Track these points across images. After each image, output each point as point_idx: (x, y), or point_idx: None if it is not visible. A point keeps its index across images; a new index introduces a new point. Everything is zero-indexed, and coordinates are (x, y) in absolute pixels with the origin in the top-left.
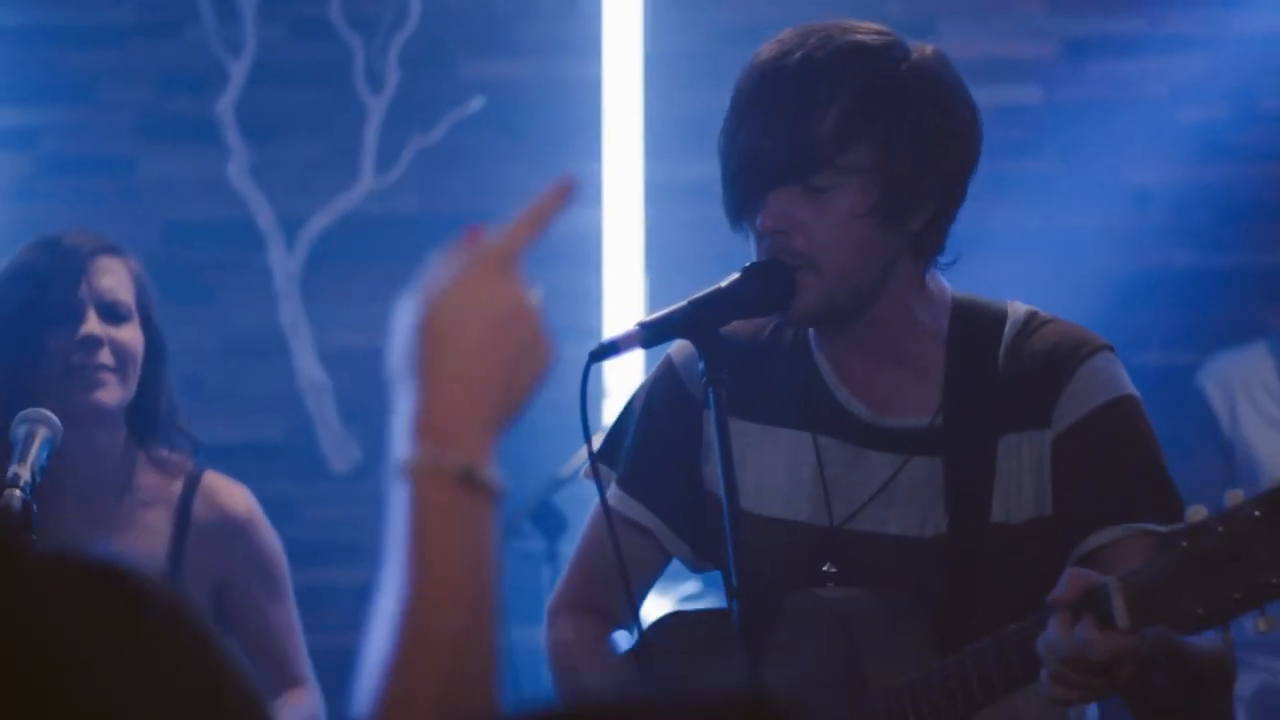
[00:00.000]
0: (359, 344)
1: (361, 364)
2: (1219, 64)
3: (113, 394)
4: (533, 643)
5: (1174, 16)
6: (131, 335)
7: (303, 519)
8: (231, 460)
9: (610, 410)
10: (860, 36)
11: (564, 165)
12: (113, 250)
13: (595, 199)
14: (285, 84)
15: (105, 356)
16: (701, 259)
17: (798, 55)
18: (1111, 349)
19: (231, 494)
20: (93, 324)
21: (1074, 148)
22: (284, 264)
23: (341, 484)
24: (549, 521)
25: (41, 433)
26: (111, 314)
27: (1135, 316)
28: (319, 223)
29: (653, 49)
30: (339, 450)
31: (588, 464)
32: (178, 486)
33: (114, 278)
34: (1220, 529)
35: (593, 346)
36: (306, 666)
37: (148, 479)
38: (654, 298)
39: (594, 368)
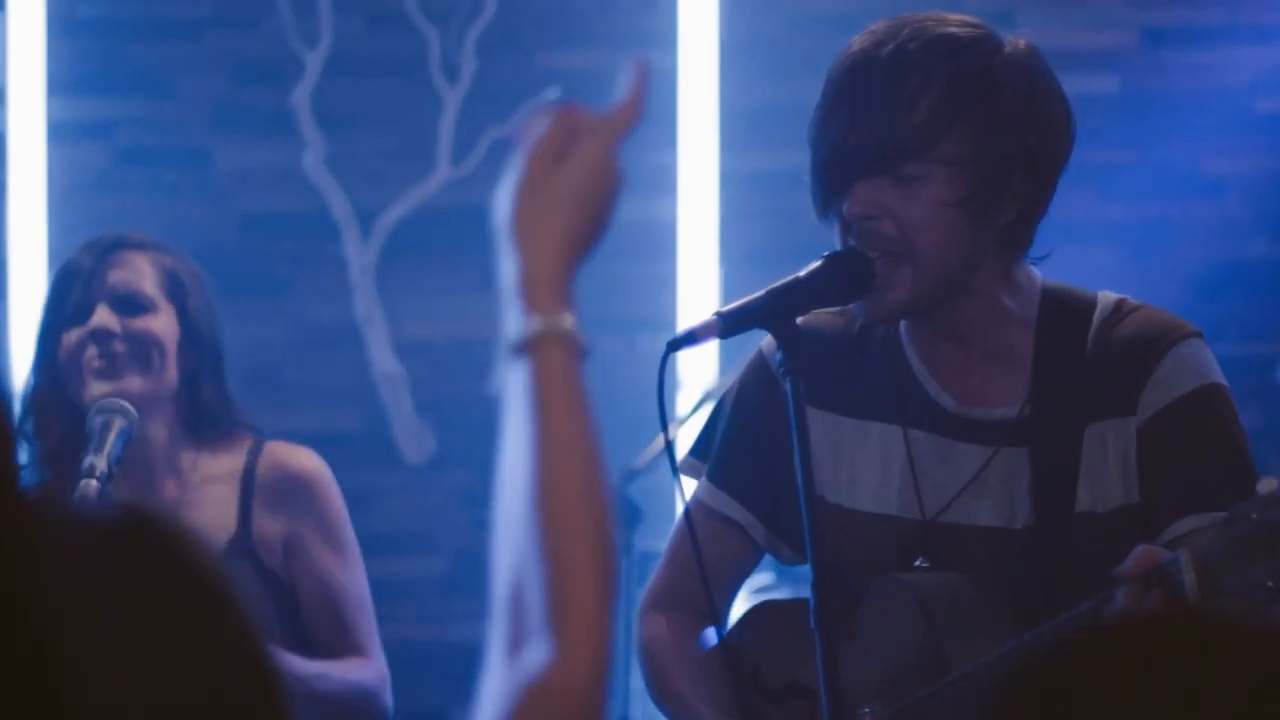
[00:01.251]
0: (434, 335)
1: (436, 355)
2: None
3: (133, 383)
4: None
5: (1252, 6)
6: (155, 324)
7: (377, 510)
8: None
9: (685, 402)
10: (952, 29)
11: (638, 155)
12: (135, 244)
13: (671, 189)
14: (361, 75)
15: (119, 347)
16: (775, 250)
17: (890, 47)
18: (1200, 335)
19: (296, 454)
20: (101, 316)
21: (1151, 138)
22: (359, 255)
23: (416, 475)
24: (624, 513)
25: (118, 423)
26: (128, 306)
27: (1212, 307)
28: (394, 214)
29: (728, 39)
30: (414, 441)
31: (673, 464)
32: (241, 458)
33: (129, 270)
34: None
35: (669, 337)
36: (372, 637)
37: (206, 462)
38: (728, 289)
39: (670, 359)
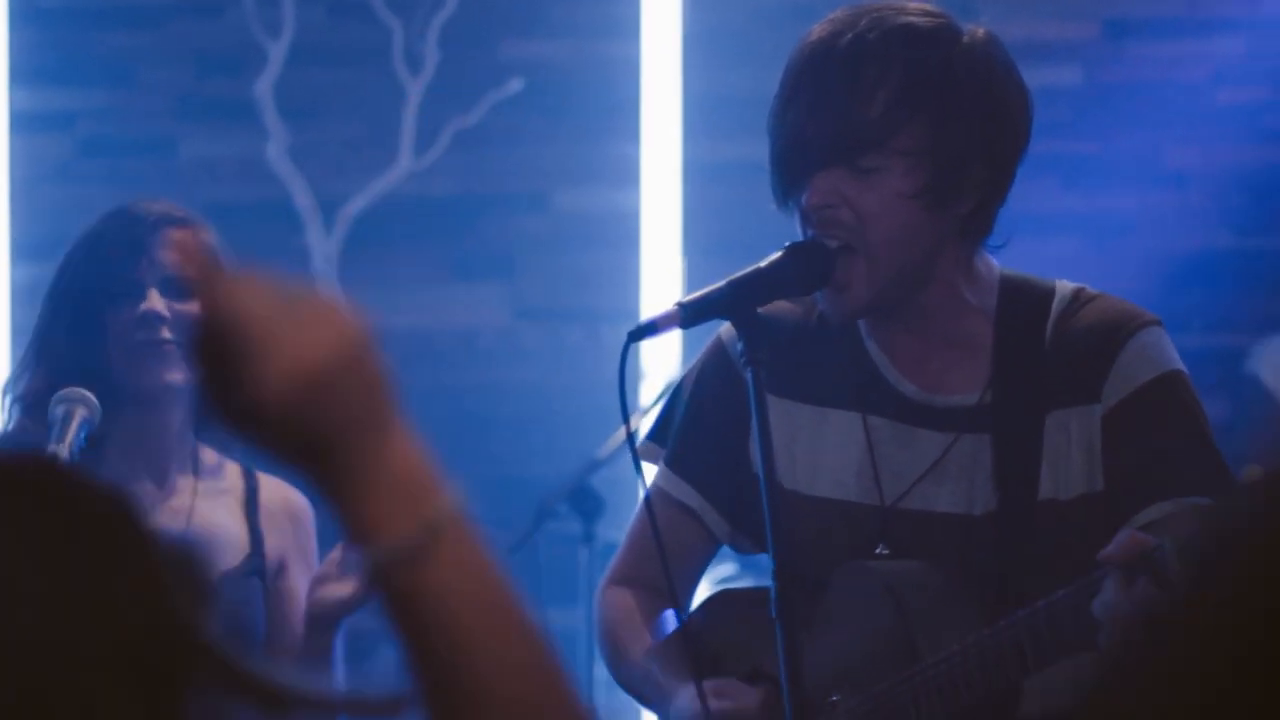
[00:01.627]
0: (396, 326)
1: (398, 346)
2: (1259, 46)
3: (176, 373)
4: (571, 624)
5: None
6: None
7: None
8: None
9: (648, 392)
10: (911, 19)
11: (602, 146)
12: (183, 221)
13: (634, 180)
14: (324, 65)
15: (166, 332)
16: (739, 240)
17: (848, 36)
18: (1159, 323)
19: (290, 488)
20: (154, 300)
21: (1114, 130)
22: (322, 245)
23: None
24: (586, 503)
25: (80, 413)
26: (177, 289)
27: (1175, 299)
28: (357, 204)
29: (691, 29)
30: None
31: (636, 443)
32: (239, 480)
33: (179, 249)
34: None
35: (631, 328)
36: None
37: (211, 458)
38: (691, 279)
39: (632, 349)
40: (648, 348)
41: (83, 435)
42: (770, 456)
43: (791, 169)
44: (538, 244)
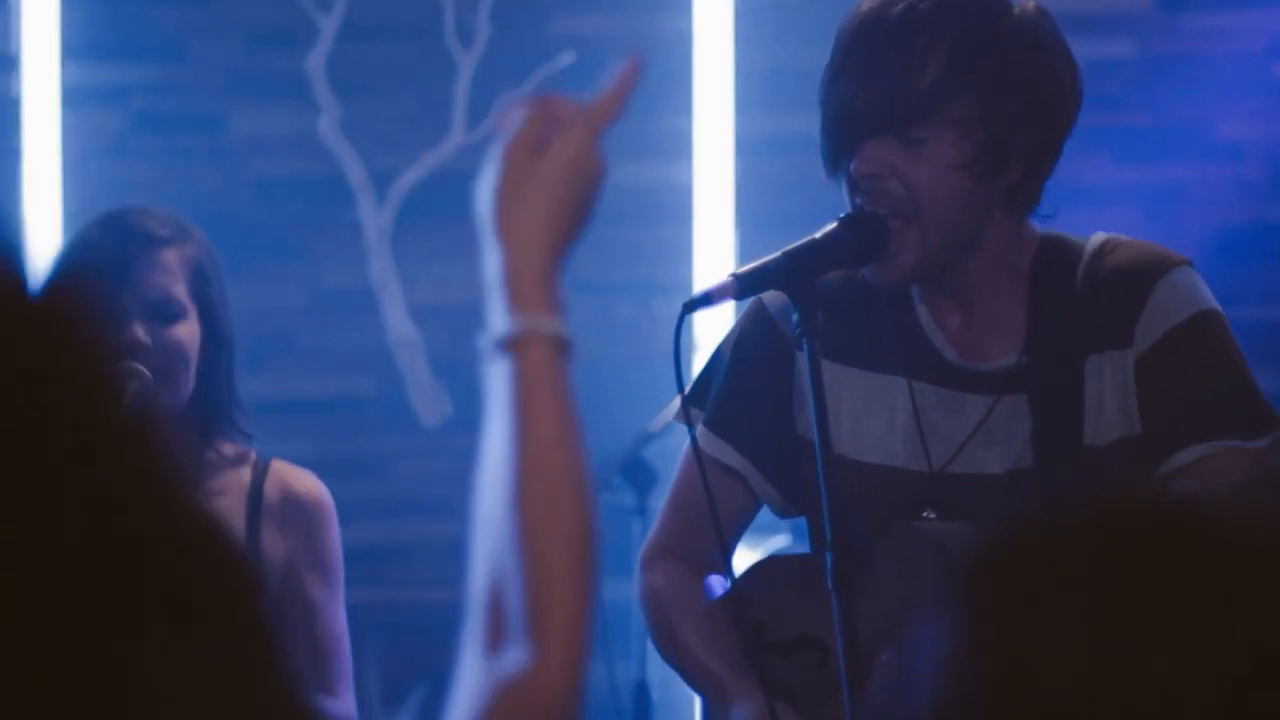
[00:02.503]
0: (449, 299)
1: (452, 319)
2: None
3: (164, 402)
4: (624, 596)
5: None
6: (183, 333)
7: (393, 474)
8: (323, 415)
9: (700, 363)
10: None
11: (654, 119)
12: (166, 240)
13: (686, 153)
14: (376, 40)
15: (150, 360)
16: (791, 213)
17: (900, 7)
18: (1190, 263)
19: (303, 478)
20: (134, 327)
21: (1167, 102)
22: (374, 220)
23: (433, 438)
24: (639, 476)
25: (132, 386)
26: (159, 313)
27: (1230, 271)
28: (409, 178)
29: (743, 3)
30: (430, 405)
31: (681, 410)
32: (246, 474)
33: (163, 274)
34: None
35: (684, 300)
36: (346, 679)
37: (214, 472)
38: (744, 252)
39: (686, 320)
40: (700, 320)
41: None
42: (826, 430)
43: (841, 138)
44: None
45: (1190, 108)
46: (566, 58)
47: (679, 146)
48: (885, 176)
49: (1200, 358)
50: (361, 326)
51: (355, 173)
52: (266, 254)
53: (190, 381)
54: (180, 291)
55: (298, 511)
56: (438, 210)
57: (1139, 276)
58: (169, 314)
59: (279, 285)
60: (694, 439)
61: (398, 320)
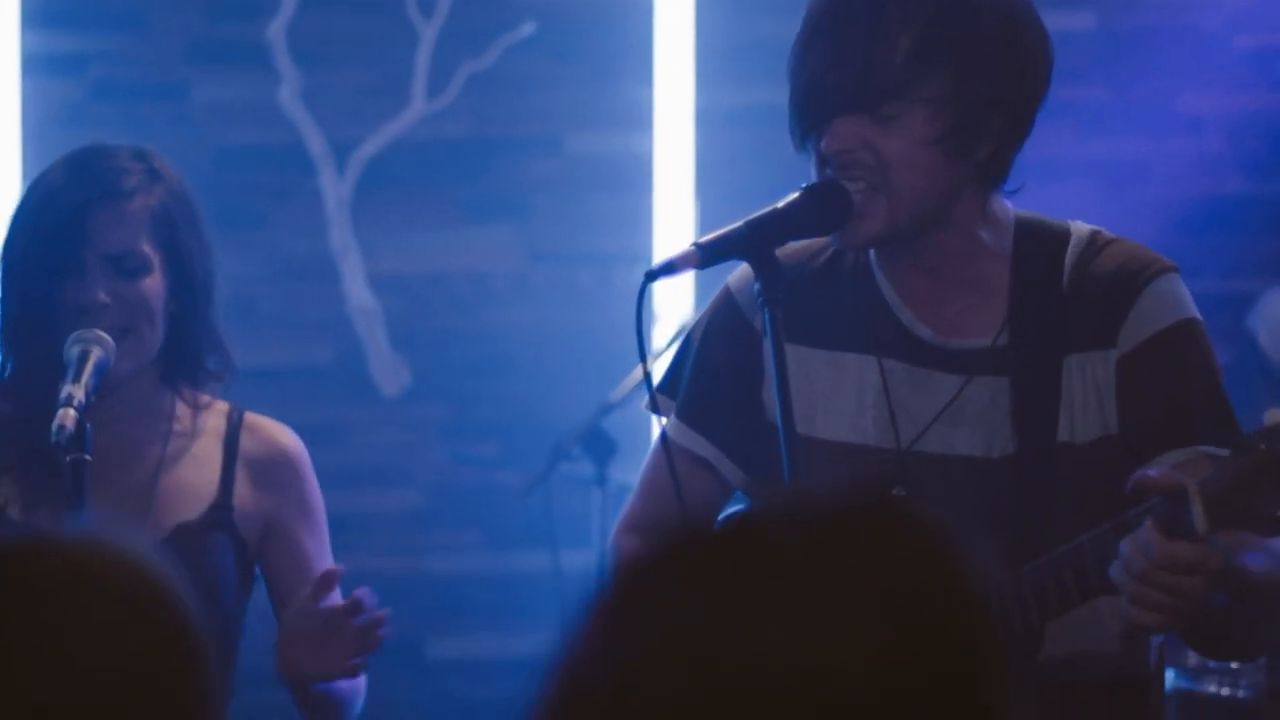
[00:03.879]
0: (409, 269)
1: (411, 289)
2: None
3: (128, 359)
4: (585, 564)
5: None
6: (147, 286)
7: (353, 443)
8: (282, 384)
9: (661, 334)
10: None
11: (615, 89)
12: (130, 192)
13: (646, 124)
14: (336, 9)
15: (112, 317)
16: (752, 183)
17: None
18: (1176, 270)
19: (280, 432)
20: (94, 285)
21: (1128, 75)
22: (335, 189)
23: (391, 408)
24: (599, 446)
25: (95, 353)
26: (121, 267)
27: (1190, 244)
28: (370, 148)
29: None
30: (389, 375)
31: (648, 396)
32: (221, 423)
33: (125, 228)
34: None
35: (645, 269)
36: None
37: (188, 417)
38: (704, 222)
39: (648, 289)
40: (661, 290)
41: (97, 374)
42: (788, 396)
43: (811, 113)
44: (550, 187)
45: (1150, 81)
46: (527, 26)
47: (640, 116)
48: (855, 149)
49: (1182, 365)
50: (321, 295)
51: (315, 142)
52: (226, 222)
53: (158, 333)
54: (144, 244)
55: (278, 466)
56: (398, 180)
57: (1127, 280)
58: (131, 268)
59: (239, 253)
60: (658, 415)
61: (357, 289)
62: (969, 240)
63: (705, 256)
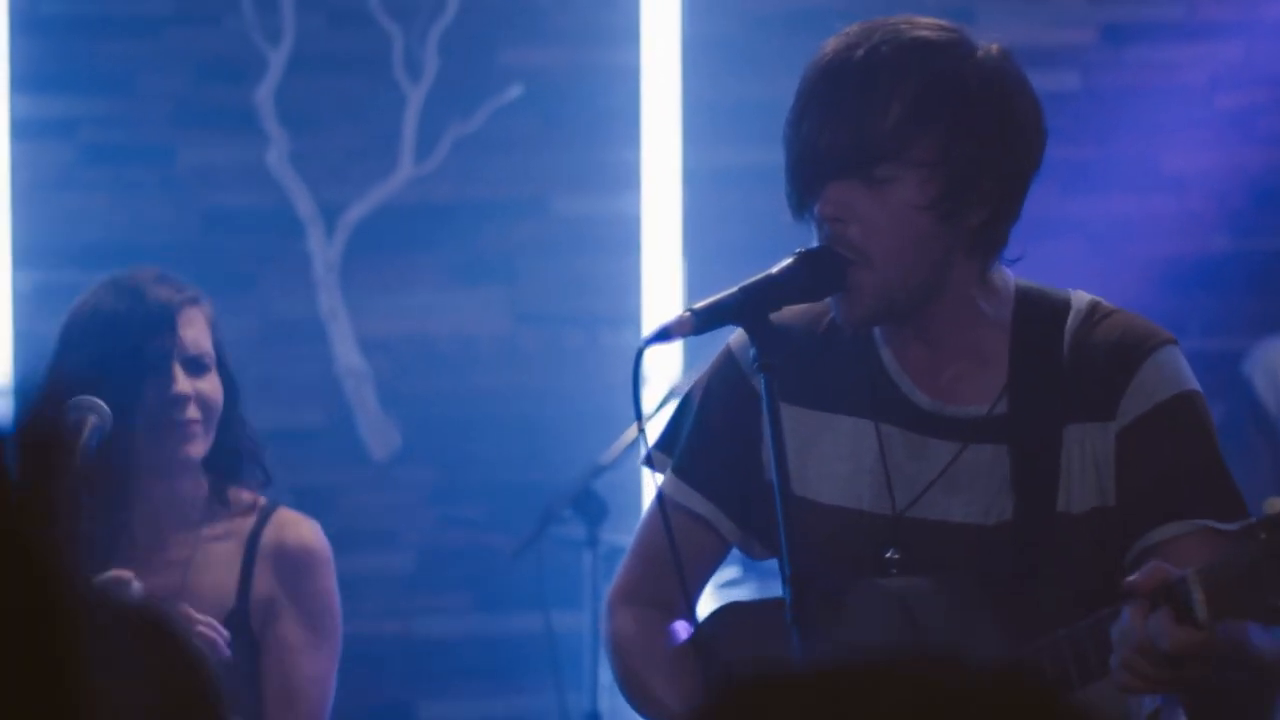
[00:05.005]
0: (398, 331)
1: (401, 351)
2: (1256, 49)
3: (199, 447)
4: (576, 627)
5: (1211, 2)
6: (213, 386)
7: (342, 506)
8: (272, 447)
9: (652, 397)
10: (924, 33)
11: (602, 152)
12: (195, 300)
13: (634, 185)
14: (324, 72)
15: (193, 411)
16: (739, 245)
17: (862, 50)
18: (1175, 342)
19: (300, 525)
20: (181, 381)
21: (1112, 134)
22: (323, 252)
23: (381, 471)
24: (590, 508)
25: (91, 420)
26: (195, 366)
27: (1173, 302)
28: (358, 211)
29: (691, 36)
30: (379, 437)
31: (646, 455)
32: (251, 521)
33: (196, 329)
34: None
35: (634, 333)
36: None
37: (222, 519)
38: (692, 284)
39: (643, 355)
40: (652, 353)
41: (95, 441)
42: (784, 462)
43: (805, 179)
44: (538, 249)
45: (1134, 140)
46: (515, 89)
47: (627, 178)
48: (847, 221)
49: (1180, 438)
50: (310, 358)
51: (304, 205)
52: (214, 286)
53: (214, 433)
54: (208, 345)
55: (287, 558)
56: (386, 242)
57: (1127, 352)
58: (202, 366)
59: (228, 317)
60: (655, 477)
61: (346, 352)
62: (966, 309)
63: (700, 322)
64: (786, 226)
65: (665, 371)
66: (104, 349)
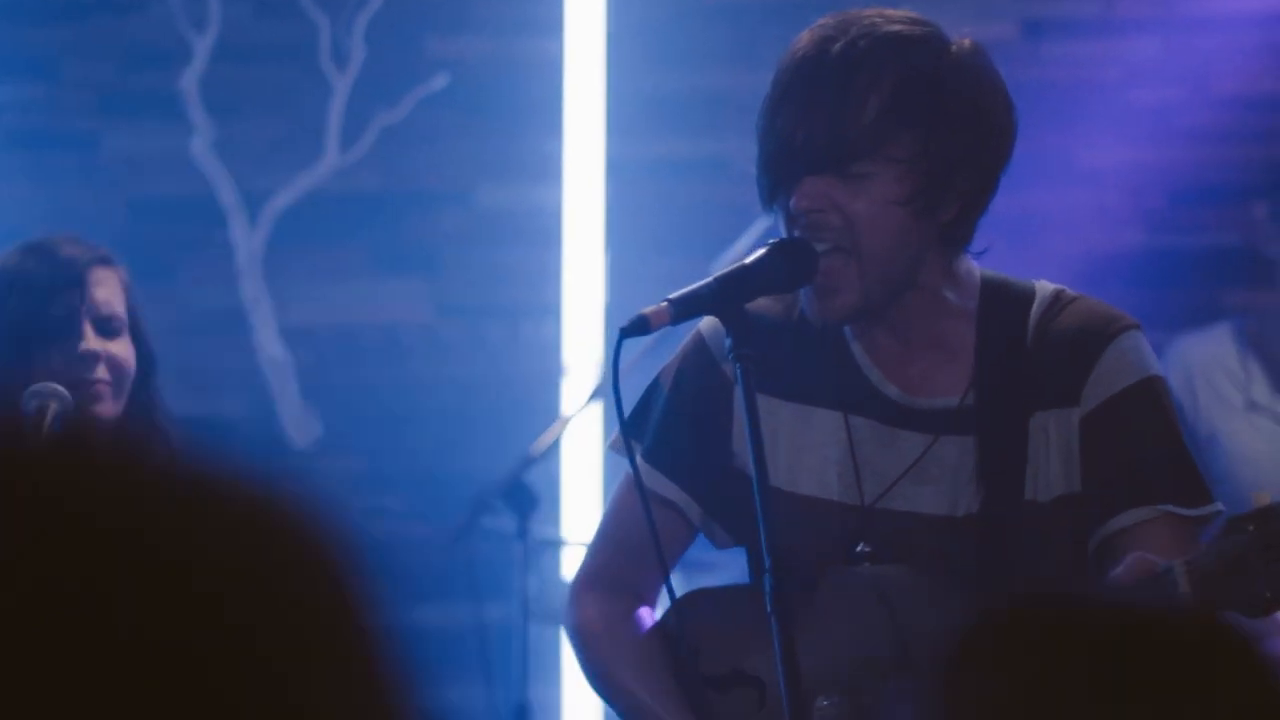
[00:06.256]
0: (321, 321)
1: (323, 341)
2: (1173, 46)
3: (108, 408)
4: (506, 619)
5: None
6: (125, 349)
7: None
8: (192, 435)
9: (568, 387)
10: (900, 27)
11: (526, 142)
12: (106, 260)
13: (556, 176)
14: (249, 60)
15: (102, 372)
16: (662, 237)
17: (839, 44)
18: (1138, 327)
19: None
20: (90, 339)
21: (1028, 129)
22: (246, 241)
23: (302, 460)
24: (521, 499)
25: (53, 407)
26: (105, 327)
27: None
28: (282, 200)
29: (616, 26)
30: (300, 426)
31: (614, 436)
32: None
33: (108, 290)
34: None
35: (556, 325)
36: None
37: None
38: (614, 275)
39: (619, 345)
40: (568, 345)
41: (56, 428)
42: (761, 450)
43: (780, 173)
44: (460, 240)
45: (1051, 135)
46: (440, 79)
47: (550, 169)
48: (825, 210)
49: (1144, 423)
50: (232, 347)
51: (227, 193)
52: (137, 274)
53: (124, 399)
54: (120, 308)
55: None
56: (310, 232)
57: (1090, 338)
58: (114, 329)
59: (150, 305)
60: (636, 472)
61: (268, 341)
62: (934, 300)
63: (677, 312)
64: (709, 218)
65: (586, 362)
66: (13, 307)
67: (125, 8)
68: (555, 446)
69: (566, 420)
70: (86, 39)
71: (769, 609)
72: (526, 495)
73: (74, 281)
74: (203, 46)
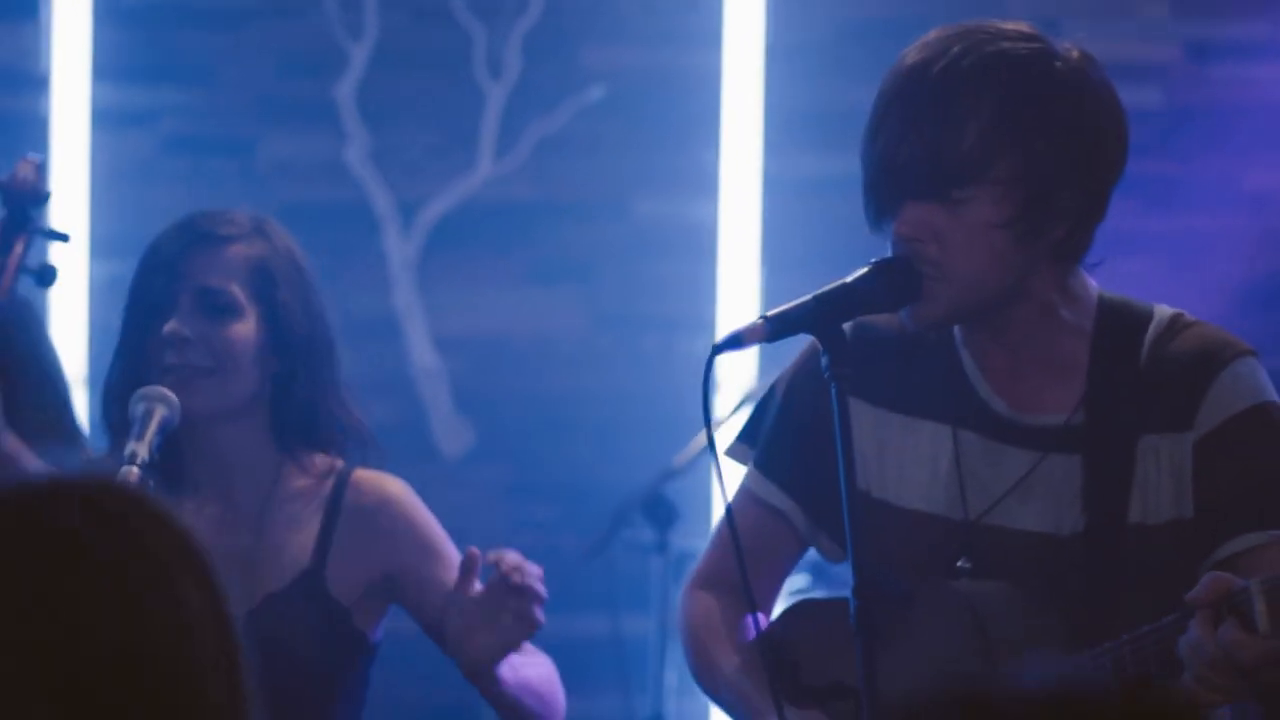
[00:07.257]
0: (473, 329)
1: (475, 350)
2: None
3: (206, 398)
4: (643, 631)
5: None
6: (237, 331)
7: None
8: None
9: (723, 404)
10: (1005, 44)
11: (682, 155)
12: (228, 238)
13: (712, 191)
14: (406, 69)
15: (197, 356)
16: (817, 253)
17: (941, 64)
18: (1255, 354)
19: (383, 482)
20: (180, 320)
21: (1195, 151)
22: (400, 249)
23: (454, 469)
24: (660, 512)
25: (160, 411)
26: (209, 306)
27: (1255, 321)
28: (436, 208)
29: (774, 41)
30: (452, 436)
31: (727, 446)
32: (329, 485)
33: (216, 267)
34: None
35: (709, 338)
36: None
37: (297, 481)
38: (768, 291)
39: (714, 361)
40: (723, 361)
41: (161, 434)
42: (852, 470)
43: (882, 197)
44: (616, 251)
45: (1217, 157)
46: (596, 90)
47: (706, 182)
48: (924, 241)
49: (1258, 448)
50: (384, 355)
51: (381, 201)
52: None
53: (246, 384)
54: (236, 289)
55: (384, 515)
56: (464, 241)
57: (1205, 362)
58: (219, 308)
59: None
60: (723, 488)
61: (421, 349)
62: (1047, 316)
63: (772, 330)
64: (865, 236)
65: (738, 377)
66: (132, 282)
67: (284, 14)
68: (697, 460)
69: (707, 435)
70: (244, 45)
71: (853, 625)
72: (666, 508)
73: (174, 257)
74: (359, 54)
